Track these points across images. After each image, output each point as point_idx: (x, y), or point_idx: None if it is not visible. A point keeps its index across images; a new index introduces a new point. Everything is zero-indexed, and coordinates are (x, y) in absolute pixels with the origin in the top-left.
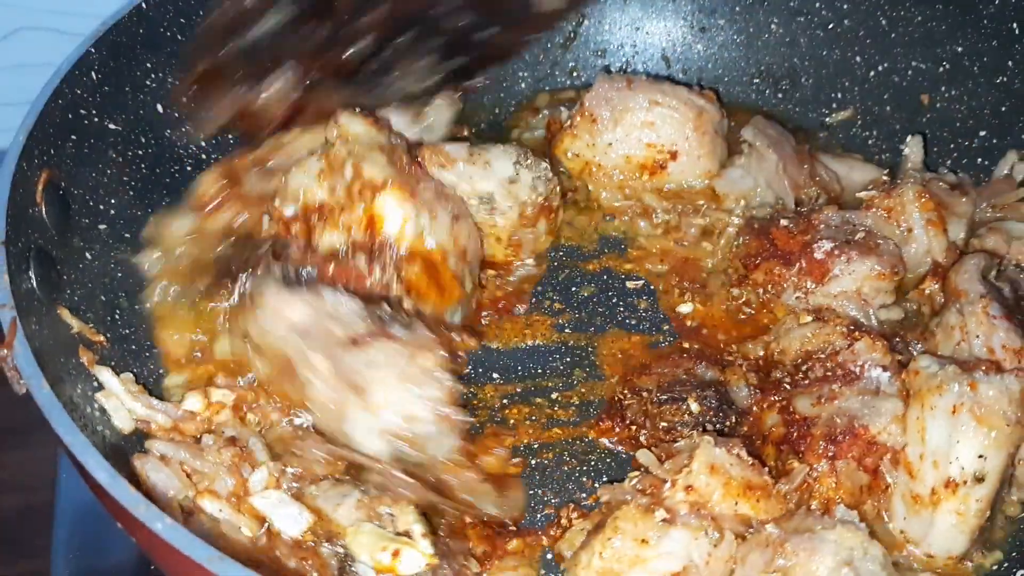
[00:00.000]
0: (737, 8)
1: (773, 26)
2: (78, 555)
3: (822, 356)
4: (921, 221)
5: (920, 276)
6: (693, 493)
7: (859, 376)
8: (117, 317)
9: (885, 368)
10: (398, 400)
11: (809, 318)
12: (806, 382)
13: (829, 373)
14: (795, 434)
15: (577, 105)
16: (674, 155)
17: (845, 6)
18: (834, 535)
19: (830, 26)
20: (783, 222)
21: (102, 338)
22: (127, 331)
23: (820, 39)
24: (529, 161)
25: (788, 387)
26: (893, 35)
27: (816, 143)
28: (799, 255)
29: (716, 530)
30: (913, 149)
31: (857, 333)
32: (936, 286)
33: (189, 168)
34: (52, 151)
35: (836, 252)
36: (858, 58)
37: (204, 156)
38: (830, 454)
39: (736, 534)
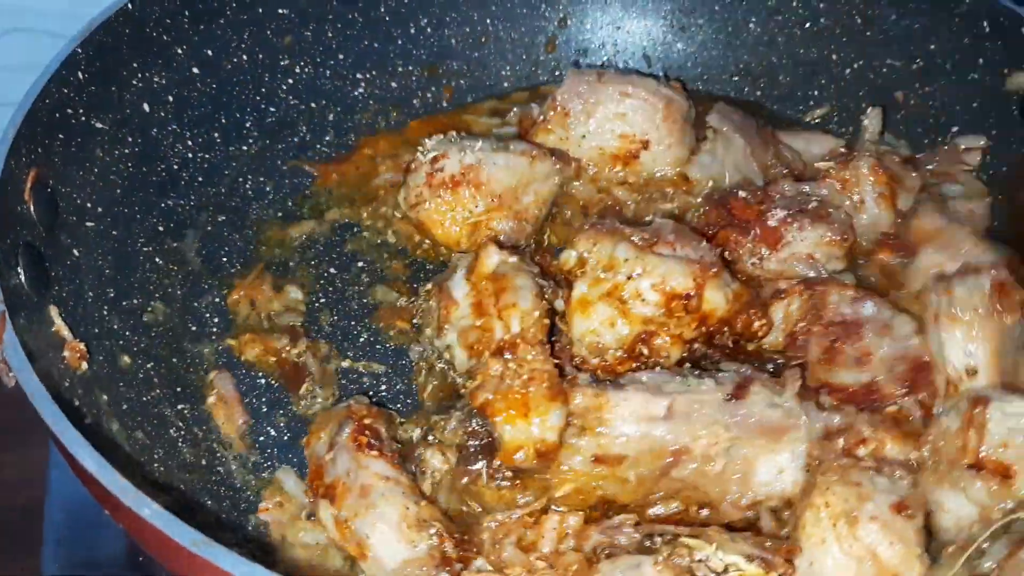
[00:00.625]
0: (716, 7)
1: (751, 25)
2: (68, 550)
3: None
4: (873, 194)
5: (870, 247)
6: None
7: (858, 319)
8: (105, 313)
9: (868, 299)
10: None
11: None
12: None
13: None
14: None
15: (549, 100)
16: (646, 144)
17: (821, 5)
18: None
19: (807, 25)
20: (741, 193)
21: (82, 346)
22: (114, 326)
23: (797, 38)
24: None
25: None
26: (868, 33)
27: (777, 123)
28: (754, 223)
29: None
30: (872, 121)
31: (819, 288)
32: (886, 256)
33: (176, 166)
34: (40, 150)
35: (789, 220)
36: (834, 56)
37: (190, 155)
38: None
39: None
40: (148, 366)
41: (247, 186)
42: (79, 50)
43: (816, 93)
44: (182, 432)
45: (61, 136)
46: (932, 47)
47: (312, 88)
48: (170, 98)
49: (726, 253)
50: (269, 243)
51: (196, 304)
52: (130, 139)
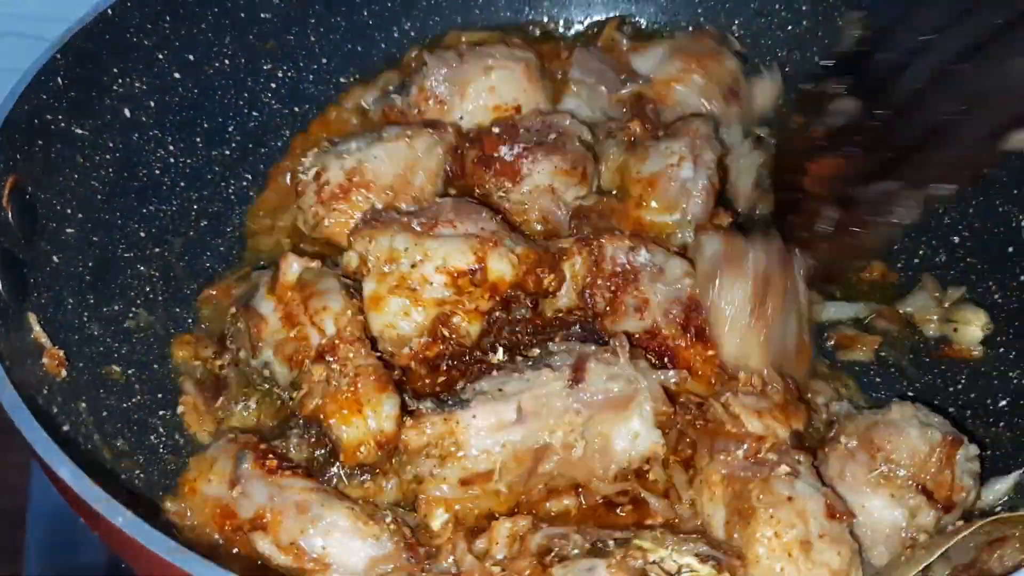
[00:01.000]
0: (700, 10)
1: (735, 27)
2: (49, 557)
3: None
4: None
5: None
6: None
7: (635, 268)
8: (85, 319)
9: (642, 247)
10: None
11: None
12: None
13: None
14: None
15: (415, 90)
16: (518, 109)
17: (804, 7)
18: (895, 413)
19: (789, 28)
20: (494, 129)
21: (61, 353)
22: (95, 333)
23: (780, 40)
24: None
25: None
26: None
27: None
28: (496, 159)
29: None
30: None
31: (596, 242)
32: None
33: (158, 172)
34: (18, 156)
35: (524, 154)
36: (816, 58)
37: (172, 160)
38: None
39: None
40: (129, 372)
41: (230, 191)
42: (58, 56)
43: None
44: (163, 438)
45: (40, 142)
46: None
47: (295, 92)
48: (151, 103)
49: (476, 190)
50: (253, 248)
51: (178, 310)
52: (111, 144)
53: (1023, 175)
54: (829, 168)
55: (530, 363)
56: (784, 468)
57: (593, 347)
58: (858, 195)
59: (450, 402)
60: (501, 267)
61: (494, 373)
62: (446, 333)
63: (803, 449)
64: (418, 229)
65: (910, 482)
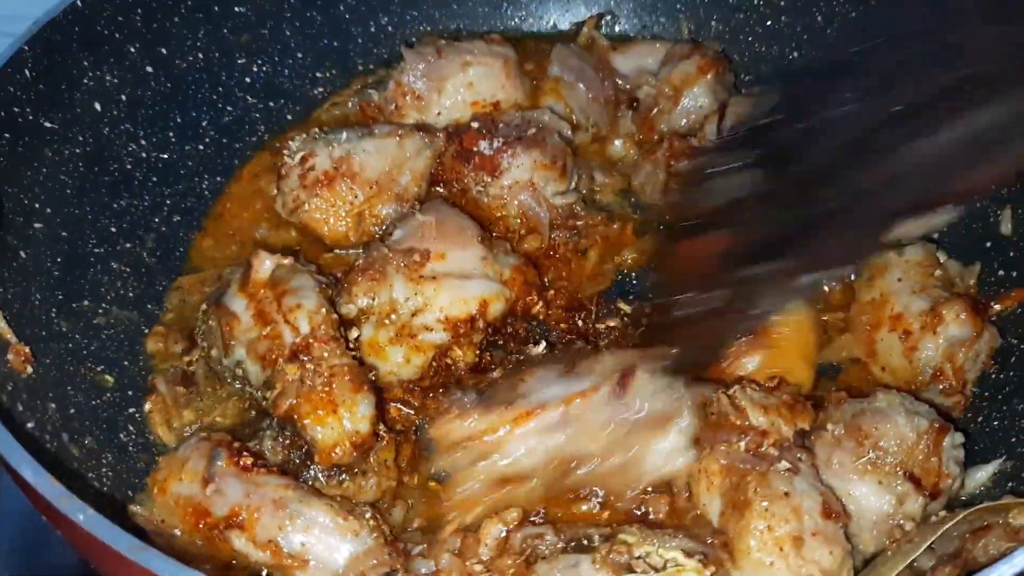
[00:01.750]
0: (679, 5)
1: (713, 22)
2: (20, 558)
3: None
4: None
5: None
6: None
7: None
8: (54, 315)
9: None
10: None
11: None
12: None
13: None
14: None
15: (393, 85)
16: (496, 105)
17: (782, 3)
18: (881, 401)
19: (768, 23)
20: (474, 124)
21: (27, 350)
22: (63, 329)
23: (759, 35)
24: None
25: None
26: (828, 31)
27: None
28: (475, 153)
29: None
30: None
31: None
32: None
33: (129, 166)
34: None
35: (504, 148)
36: (795, 54)
37: (144, 155)
38: None
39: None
40: (99, 369)
41: (203, 186)
42: (26, 47)
43: None
44: (133, 437)
45: (7, 135)
46: None
47: (270, 87)
48: (122, 97)
49: (454, 184)
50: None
51: (150, 307)
52: (81, 139)
53: None
54: (707, 247)
55: (575, 367)
56: (784, 464)
57: (640, 353)
58: (736, 277)
59: (494, 398)
60: (498, 307)
61: (537, 369)
62: (442, 366)
63: (806, 449)
64: (409, 269)
65: (897, 469)
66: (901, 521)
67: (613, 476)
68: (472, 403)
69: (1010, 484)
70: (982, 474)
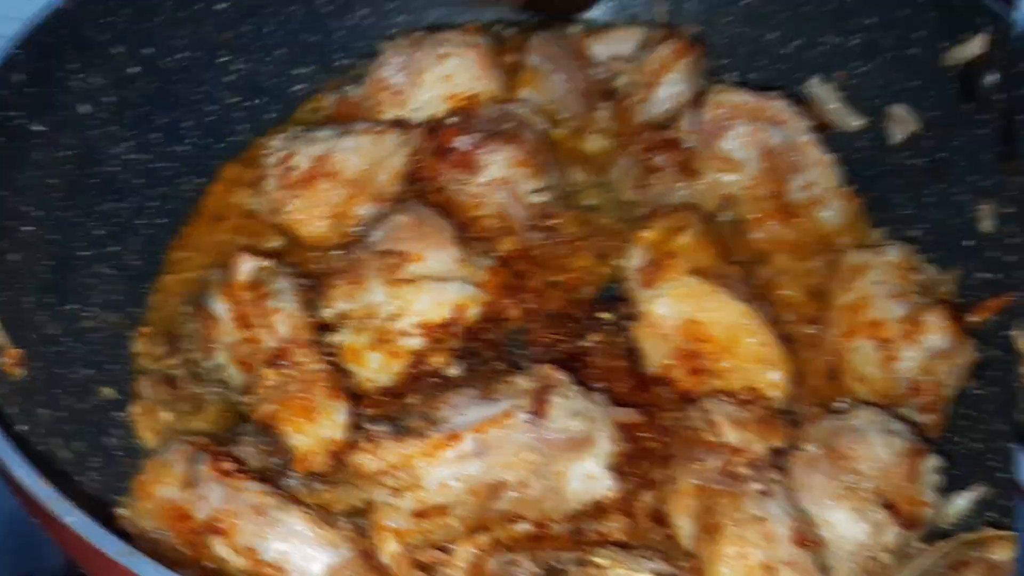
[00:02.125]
0: None
1: (688, 4)
2: (9, 560)
3: None
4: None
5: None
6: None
7: None
8: (44, 319)
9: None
10: None
11: None
12: None
13: None
14: None
15: (369, 80)
16: (473, 98)
17: None
18: (858, 418)
19: (742, 3)
20: (450, 120)
21: (20, 353)
22: (53, 332)
23: (735, 15)
24: None
25: None
26: (806, 9)
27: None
28: (451, 150)
29: None
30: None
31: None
32: None
33: (116, 168)
34: None
35: (480, 144)
36: (773, 34)
37: (131, 157)
38: None
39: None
40: (89, 372)
41: (186, 187)
42: (17, 51)
43: (755, 76)
44: (122, 440)
45: None
46: (868, 22)
47: (252, 84)
48: (109, 99)
49: (431, 182)
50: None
51: (138, 309)
52: (69, 141)
53: (980, 165)
54: None
55: (490, 397)
56: (757, 485)
57: (555, 376)
58: None
59: (407, 427)
60: (474, 311)
61: (451, 395)
62: (419, 373)
63: (780, 469)
64: (387, 272)
65: (874, 495)
66: (877, 553)
67: (532, 506)
68: (383, 434)
69: (987, 514)
70: (961, 501)
